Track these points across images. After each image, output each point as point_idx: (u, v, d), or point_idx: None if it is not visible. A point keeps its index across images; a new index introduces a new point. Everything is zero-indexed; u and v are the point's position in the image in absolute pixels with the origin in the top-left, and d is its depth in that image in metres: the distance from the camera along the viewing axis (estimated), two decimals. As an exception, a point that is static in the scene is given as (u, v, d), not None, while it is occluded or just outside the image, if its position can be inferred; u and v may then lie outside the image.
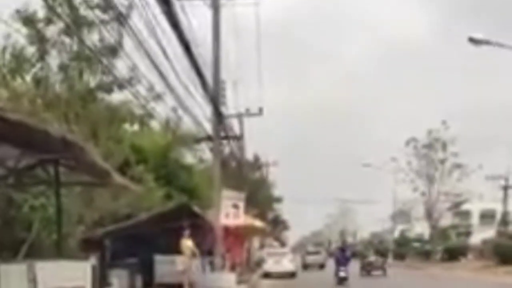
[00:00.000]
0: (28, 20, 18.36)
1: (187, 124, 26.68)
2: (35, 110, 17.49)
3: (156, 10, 14.00)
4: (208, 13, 23.31)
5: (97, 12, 18.52)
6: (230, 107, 32.16)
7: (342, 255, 31.00)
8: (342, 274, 29.94)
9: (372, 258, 42.79)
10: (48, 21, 18.49)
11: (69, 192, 16.89)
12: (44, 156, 12.79)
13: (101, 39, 18.95)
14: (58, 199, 13.91)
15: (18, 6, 18.39)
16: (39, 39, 18.66)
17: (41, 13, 18.53)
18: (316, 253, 55.29)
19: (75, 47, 18.96)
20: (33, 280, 11.34)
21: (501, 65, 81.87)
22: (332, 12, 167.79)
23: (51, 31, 18.75)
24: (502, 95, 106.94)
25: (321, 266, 50.21)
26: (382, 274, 39.23)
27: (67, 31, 18.50)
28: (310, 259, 52.60)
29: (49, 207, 16.09)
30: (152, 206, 23.19)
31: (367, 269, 39.88)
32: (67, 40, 19.00)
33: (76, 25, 18.45)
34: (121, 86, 19.81)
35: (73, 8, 18.47)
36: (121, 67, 19.14)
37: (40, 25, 18.54)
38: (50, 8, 17.40)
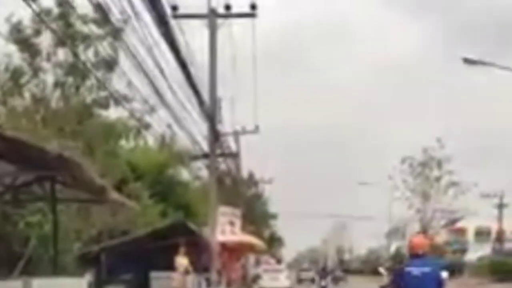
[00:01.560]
0: (19, 36, 18.40)
1: (183, 141, 26.77)
2: (34, 127, 17.56)
3: (153, 29, 14.10)
4: (205, 33, 23.48)
5: (92, 27, 18.63)
6: (226, 125, 32.34)
7: (323, 271, 46.84)
8: (323, 283, 43.84)
9: (338, 273, 63.99)
10: (37, 32, 18.53)
11: (66, 209, 16.94)
12: (40, 173, 12.85)
13: (96, 54, 19.05)
14: (54, 216, 13.96)
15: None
16: (31, 54, 18.69)
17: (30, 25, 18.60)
18: (309, 270, 67.34)
19: (69, 60, 19.01)
20: (29, 297, 11.38)
21: (496, 83, 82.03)
22: (328, 32, 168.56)
23: (44, 43, 18.79)
24: (497, 113, 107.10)
25: (312, 281, 57.71)
26: (344, 283, 58.24)
27: (60, 43, 18.55)
28: (303, 275, 63.63)
29: (46, 223, 16.14)
30: (149, 222, 23.24)
31: (335, 279, 56.46)
32: (60, 53, 19.06)
33: (71, 39, 18.53)
34: (117, 101, 19.85)
35: (68, 24, 18.57)
36: (116, 82, 19.22)
37: (29, 35, 18.57)
38: (42, 21, 17.47)
